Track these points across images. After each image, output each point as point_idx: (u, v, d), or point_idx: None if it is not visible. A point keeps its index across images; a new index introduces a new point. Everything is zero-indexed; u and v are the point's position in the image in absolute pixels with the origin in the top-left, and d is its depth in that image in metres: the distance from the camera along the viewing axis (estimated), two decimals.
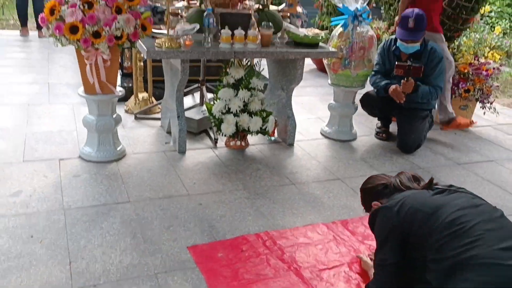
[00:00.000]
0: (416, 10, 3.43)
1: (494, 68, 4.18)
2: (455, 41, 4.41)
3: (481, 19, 8.56)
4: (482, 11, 8.23)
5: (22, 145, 3.22)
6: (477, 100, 4.15)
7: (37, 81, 4.74)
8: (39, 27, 6.48)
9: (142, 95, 4.09)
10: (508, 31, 8.16)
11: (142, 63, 4.05)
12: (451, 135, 4.14)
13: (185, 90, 3.94)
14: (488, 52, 4.28)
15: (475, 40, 7.21)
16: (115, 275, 2.02)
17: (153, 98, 4.14)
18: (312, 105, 4.73)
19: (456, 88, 4.06)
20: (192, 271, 2.09)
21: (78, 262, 2.08)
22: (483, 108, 4.19)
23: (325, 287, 2.06)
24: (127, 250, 2.20)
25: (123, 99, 4.14)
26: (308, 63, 6.40)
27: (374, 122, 4.10)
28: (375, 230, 1.94)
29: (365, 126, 4.18)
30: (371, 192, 2.09)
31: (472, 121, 3.89)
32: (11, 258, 2.08)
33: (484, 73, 4.08)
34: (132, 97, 4.10)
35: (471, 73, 4.05)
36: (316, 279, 2.10)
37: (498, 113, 4.34)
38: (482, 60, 4.19)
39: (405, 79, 3.44)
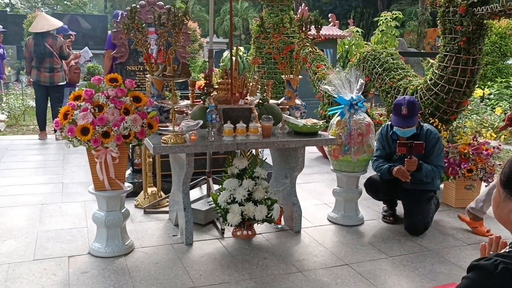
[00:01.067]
0: (407, 97, 3.61)
1: (494, 148, 4.27)
2: (452, 123, 4.55)
3: (481, 102, 8.84)
4: (481, 94, 8.53)
5: (33, 244, 3.29)
6: (481, 179, 4.18)
7: (51, 181, 4.92)
8: (55, 131, 6.86)
9: (151, 189, 4.22)
10: (508, 111, 8.35)
11: (151, 159, 4.22)
12: None
13: (192, 183, 4.07)
14: (486, 132, 4.39)
15: (477, 121, 7.41)
16: None
17: (161, 192, 4.26)
18: (318, 191, 4.79)
19: (458, 168, 4.12)
20: None
21: None
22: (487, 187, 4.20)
23: None
24: None
25: (133, 194, 4.28)
26: (314, 151, 6.58)
27: (381, 205, 4.13)
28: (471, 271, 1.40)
29: (372, 210, 4.20)
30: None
31: (489, 231, 3.69)
32: None
33: (485, 152, 4.16)
34: (142, 192, 4.22)
35: (471, 153, 4.13)
36: None
37: None
38: (481, 140, 4.28)
39: (409, 157, 3.53)
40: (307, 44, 3.90)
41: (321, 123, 3.57)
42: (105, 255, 3.10)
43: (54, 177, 5.06)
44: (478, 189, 4.32)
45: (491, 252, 1.60)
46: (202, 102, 3.59)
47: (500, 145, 4.33)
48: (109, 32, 6.17)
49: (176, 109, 3.37)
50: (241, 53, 9.42)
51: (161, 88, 3.58)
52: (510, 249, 1.40)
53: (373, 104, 10.38)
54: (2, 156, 6.03)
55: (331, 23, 10.07)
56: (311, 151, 6.53)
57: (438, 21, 4.32)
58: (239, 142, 3.28)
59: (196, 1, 33.69)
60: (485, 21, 4.02)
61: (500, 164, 4.32)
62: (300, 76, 3.93)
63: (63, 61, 7.35)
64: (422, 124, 3.75)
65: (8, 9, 30.37)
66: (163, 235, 3.54)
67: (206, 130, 3.27)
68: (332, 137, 3.60)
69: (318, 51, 6.70)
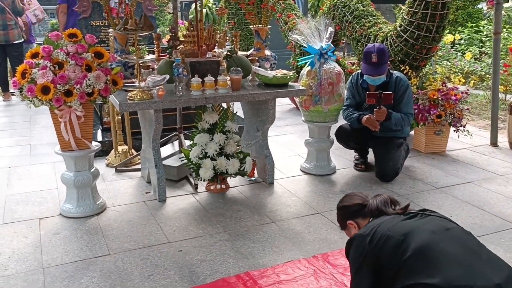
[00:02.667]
0: (377, 45, 3.57)
1: (462, 93, 4.31)
2: (422, 69, 4.56)
3: (452, 47, 8.87)
4: (451, 39, 8.54)
5: (1, 208, 3.23)
6: (450, 124, 4.24)
7: (18, 143, 4.80)
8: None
9: (122, 147, 4.15)
10: (478, 56, 8.41)
11: (119, 117, 4.13)
12: (429, 160, 4.21)
13: (163, 139, 4.03)
14: (455, 77, 4.42)
15: (447, 67, 7.46)
16: None
17: (133, 150, 4.20)
18: (291, 143, 4.80)
19: (427, 114, 4.17)
20: None
21: None
22: (456, 132, 4.28)
23: None
24: None
25: (104, 153, 4.22)
26: (287, 103, 6.55)
27: (353, 154, 4.17)
28: (350, 258, 1.95)
29: (344, 159, 4.25)
30: (347, 211, 2.12)
31: None
32: None
33: (454, 97, 4.20)
34: (112, 151, 4.16)
35: (440, 98, 4.17)
36: None
37: (472, 135, 4.44)
38: (450, 85, 4.32)
39: (378, 107, 3.54)
40: None
41: (291, 74, 3.52)
42: (76, 215, 3.07)
43: (21, 139, 4.92)
44: (447, 134, 4.40)
45: None
46: (168, 56, 3.48)
47: (468, 90, 4.38)
48: None
49: (141, 64, 3.26)
50: (210, 4, 9.17)
51: (125, 43, 3.45)
52: None
53: (345, 53, 10.33)
54: None
55: None
56: (284, 103, 6.50)
57: None
58: (208, 96, 3.22)
59: None
60: None
61: (468, 109, 4.39)
62: (269, 26, 3.84)
63: (17, 17, 6.97)
64: (392, 72, 3.74)
65: None
66: (135, 193, 3.52)
67: (174, 84, 3.19)
68: (303, 87, 3.57)
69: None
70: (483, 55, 8.55)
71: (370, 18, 4.96)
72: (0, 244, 2.73)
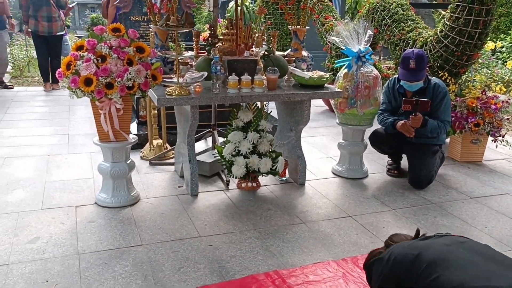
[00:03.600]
0: (416, 50, 3.52)
1: (503, 102, 4.20)
2: (461, 76, 4.47)
3: (492, 55, 8.64)
4: (492, 47, 8.32)
5: (41, 194, 3.34)
6: (488, 133, 4.14)
7: (57, 132, 4.95)
8: (55, 81, 6.86)
9: (157, 141, 4.23)
10: None
11: (156, 111, 4.21)
12: (464, 170, 4.13)
13: (198, 135, 4.08)
14: (496, 86, 4.32)
15: (487, 75, 7.27)
16: None
17: (167, 144, 4.27)
18: (324, 144, 4.79)
19: (465, 122, 4.08)
20: None
21: None
22: (494, 142, 4.18)
23: None
24: None
25: (139, 146, 4.31)
26: (320, 104, 6.53)
27: (386, 159, 4.13)
28: (371, 283, 1.98)
29: (377, 163, 4.21)
30: (371, 265, 2.02)
31: None
32: None
33: (493, 106, 4.10)
34: (147, 144, 4.24)
35: (479, 107, 4.08)
36: None
37: (511, 145, 4.33)
38: (490, 94, 4.22)
39: (414, 114, 3.49)
40: None
41: (328, 76, 3.51)
42: (111, 205, 3.15)
43: (60, 129, 5.08)
44: (485, 143, 4.30)
45: None
46: (206, 53, 3.53)
47: (509, 99, 4.26)
48: None
49: (180, 60, 3.32)
50: (247, 3, 9.20)
51: (165, 38, 3.51)
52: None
53: (381, 57, 10.19)
54: (8, 107, 6.04)
55: None
56: (317, 105, 6.48)
57: None
58: (244, 94, 3.25)
59: None
60: None
61: (508, 119, 4.28)
62: (307, 27, 3.83)
63: (60, 10, 7.21)
64: (430, 78, 3.68)
65: None
66: (168, 187, 3.58)
67: (211, 82, 3.23)
68: (339, 90, 3.56)
69: (326, 1, 6.51)
70: None
71: (410, 23, 4.89)
72: (38, 229, 2.83)
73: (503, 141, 4.20)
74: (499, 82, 7.20)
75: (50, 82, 7.37)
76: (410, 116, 3.51)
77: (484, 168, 4.19)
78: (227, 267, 2.48)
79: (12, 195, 3.31)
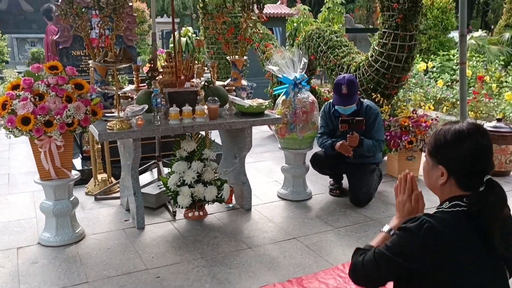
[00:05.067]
0: (347, 76, 3.74)
1: (432, 119, 4.50)
2: (393, 97, 4.75)
3: (425, 75, 9.18)
4: (424, 67, 8.84)
5: None
6: (421, 150, 4.41)
7: None
8: None
9: (102, 176, 4.20)
10: (450, 83, 8.72)
11: (99, 146, 4.19)
12: None
13: (142, 167, 4.09)
14: (425, 105, 4.62)
15: (421, 94, 7.71)
16: None
17: (112, 178, 4.25)
18: (269, 169, 4.91)
19: (399, 140, 4.33)
20: None
21: None
22: None
23: None
24: None
25: (84, 181, 4.25)
26: (266, 130, 6.68)
27: (328, 180, 4.28)
28: (396, 239, 1.57)
29: (320, 184, 4.36)
30: (448, 149, 1.55)
31: None
32: None
33: (424, 124, 4.38)
34: (92, 179, 4.20)
35: (411, 125, 4.34)
36: None
37: None
38: (420, 112, 4.50)
39: (350, 133, 3.68)
40: (250, 25, 3.93)
41: (267, 103, 3.65)
42: (55, 244, 3.10)
43: (0, 168, 4.93)
44: (419, 160, 4.55)
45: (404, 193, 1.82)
46: (147, 86, 3.58)
47: (437, 117, 4.57)
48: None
49: (120, 94, 3.37)
50: (190, 34, 9.35)
51: (105, 74, 3.54)
52: (437, 210, 1.59)
53: (323, 81, 10.58)
54: None
55: (279, 1, 10.09)
56: (263, 130, 6.63)
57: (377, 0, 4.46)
58: (186, 125, 3.32)
59: None
60: None
61: None
62: (245, 57, 3.98)
63: None
64: (362, 100, 3.90)
65: None
66: (114, 221, 3.56)
67: (152, 114, 3.28)
68: (278, 116, 3.70)
69: (263, 30, 6.73)
70: (455, 82, 8.86)
71: (344, 49, 5.16)
72: None
73: None
74: (432, 100, 7.67)
75: None
76: (347, 135, 3.70)
77: (420, 183, 4.41)
78: None
79: None
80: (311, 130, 3.87)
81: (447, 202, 1.57)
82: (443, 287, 1.50)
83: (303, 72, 3.89)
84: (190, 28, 9.62)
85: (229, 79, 4.02)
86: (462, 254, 1.47)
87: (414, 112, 4.46)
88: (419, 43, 4.47)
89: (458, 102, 7.66)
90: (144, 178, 4.04)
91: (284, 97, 3.89)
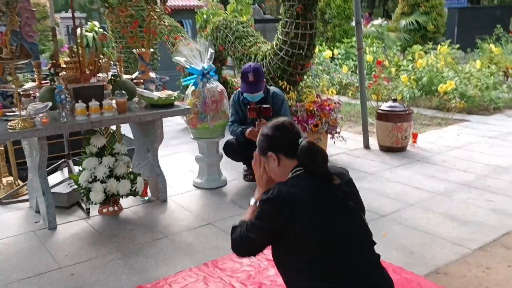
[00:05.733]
0: (253, 64, 3.89)
1: (335, 103, 4.79)
2: (299, 84, 4.99)
3: (331, 61, 9.64)
4: (330, 55, 9.27)
5: None
6: (326, 132, 4.69)
7: None
8: None
9: (7, 179, 4.02)
10: (354, 69, 9.24)
11: (2, 148, 4.00)
12: None
13: (52, 167, 3.98)
14: (329, 89, 4.91)
15: (328, 80, 8.11)
16: None
17: (19, 181, 4.08)
18: (185, 160, 4.95)
19: (306, 124, 4.57)
20: None
21: None
22: (332, 138, 4.74)
23: None
24: None
25: None
26: (180, 122, 6.69)
27: (242, 166, 4.43)
28: (258, 210, 1.84)
29: (234, 171, 4.49)
30: (272, 141, 1.91)
31: None
32: None
33: (327, 108, 4.66)
34: None
35: (316, 109, 4.60)
36: None
37: (346, 140, 4.93)
38: (324, 97, 4.78)
39: (259, 120, 3.84)
40: (155, 17, 3.94)
41: (176, 94, 3.70)
42: None
43: None
44: (325, 141, 4.84)
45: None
46: (49, 83, 3.48)
47: (340, 100, 4.87)
48: None
49: (21, 93, 3.25)
50: (96, 29, 9.04)
51: (1, 72, 3.39)
52: (292, 175, 1.87)
53: (235, 72, 10.75)
54: None
55: None
56: (177, 123, 6.63)
57: None
58: (94, 120, 3.28)
59: None
60: None
61: (341, 117, 4.88)
62: (151, 50, 3.99)
63: None
64: (269, 87, 4.08)
65: None
66: (24, 224, 3.44)
67: (57, 111, 3.20)
68: (188, 106, 3.76)
69: (171, 23, 6.72)
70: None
71: (251, 39, 5.32)
72: None
73: (339, 137, 4.78)
74: (338, 86, 8.10)
75: None
76: (256, 122, 3.85)
77: None
78: None
79: None
80: (222, 118, 3.97)
81: (291, 173, 1.87)
82: (305, 239, 1.78)
83: (211, 62, 3.98)
84: (96, 23, 9.32)
85: (137, 72, 4.01)
86: (313, 206, 1.78)
87: (318, 97, 4.73)
88: (318, 31, 4.72)
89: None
90: (54, 178, 3.93)
91: (193, 87, 3.95)
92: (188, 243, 3.07)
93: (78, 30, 3.67)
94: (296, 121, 4.56)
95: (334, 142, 4.87)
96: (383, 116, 5.02)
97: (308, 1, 4.44)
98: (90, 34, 8.57)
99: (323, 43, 11.29)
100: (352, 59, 9.68)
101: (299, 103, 4.70)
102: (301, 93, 4.85)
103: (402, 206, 3.58)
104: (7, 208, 3.76)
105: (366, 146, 5.21)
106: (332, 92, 4.87)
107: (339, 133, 4.77)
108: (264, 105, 3.83)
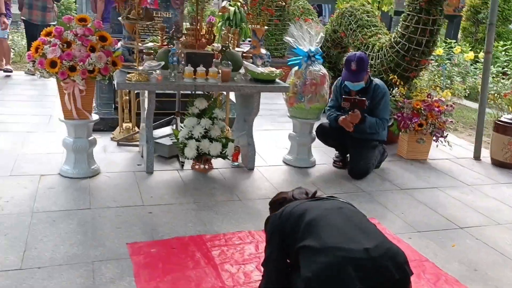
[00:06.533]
0: (358, 53, 3.88)
1: (447, 106, 4.54)
2: (412, 80, 4.81)
3: (471, 65, 8.94)
4: (472, 57, 8.60)
5: (12, 163, 3.73)
6: (431, 134, 4.48)
7: (41, 113, 5.35)
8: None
9: (126, 125, 4.61)
10: (496, 75, 8.46)
11: (127, 97, 4.59)
12: (407, 166, 4.47)
13: (164, 120, 4.47)
14: (442, 91, 4.66)
15: (460, 82, 7.56)
16: (58, 261, 2.44)
17: (136, 128, 4.65)
18: (285, 137, 5.13)
19: (409, 122, 4.42)
20: (125, 261, 2.49)
21: (31, 251, 2.52)
22: (436, 142, 4.52)
23: (233, 278, 2.42)
24: (74, 244, 2.62)
25: (112, 128, 4.70)
26: None
27: (335, 152, 4.47)
28: (266, 233, 2.29)
29: (327, 156, 4.55)
30: (275, 204, 2.43)
31: None
32: None
33: (436, 109, 4.44)
34: (118, 127, 4.63)
35: (423, 108, 4.42)
36: (227, 273, 2.47)
37: (451, 146, 4.66)
38: (436, 97, 4.55)
39: (352, 111, 3.85)
40: None
41: (278, 72, 3.87)
42: (72, 176, 3.53)
43: (44, 110, 5.48)
44: (429, 143, 4.64)
45: None
46: (168, 45, 3.89)
47: (453, 103, 4.60)
48: None
49: (145, 51, 3.71)
50: (239, 4, 9.53)
51: (132, 30, 3.88)
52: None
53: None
54: (1, 89, 6.45)
55: None
56: None
57: None
58: (197, 83, 3.62)
59: None
60: None
61: (451, 121, 4.61)
62: (265, 27, 4.20)
63: (54, 1, 7.63)
64: (372, 79, 4.03)
65: None
66: (129, 164, 3.96)
67: (168, 71, 3.60)
68: (286, 85, 3.92)
69: (305, 5, 6.86)
70: (501, 74, 8.59)
71: (373, 29, 5.24)
72: (2, 191, 3.22)
73: (445, 141, 4.53)
74: (468, 91, 7.50)
75: None
76: (349, 112, 3.87)
77: (426, 165, 4.53)
78: (158, 230, 2.86)
79: None
80: (319, 102, 4.06)
81: None
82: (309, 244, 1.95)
83: (319, 46, 4.06)
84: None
85: (249, 46, 4.26)
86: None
87: (428, 96, 4.53)
88: (441, 28, 4.48)
89: (502, 94, 7.52)
90: (163, 131, 4.41)
91: (296, 68, 4.09)
92: (258, 210, 3.27)
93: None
94: (399, 117, 4.45)
95: (437, 146, 4.64)
96: (500, 128, 4.62)
97: None
98: (232, 8, 9.09)
99: (469, 44, 10.46)
100: (500, 65, 8.85)
101: (407, 99, 4.55)
102: (412, 90, 4.68)
103: (487, 223, 3.35)
104: (121, 149, 4.34)
105: (477, 157, 4.85)
106: (446, 93, 4.61)
107: (445, 137, 4.53)
108: (359, 97, 3.81)
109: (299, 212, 2.08)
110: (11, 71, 7.34)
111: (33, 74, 7.52)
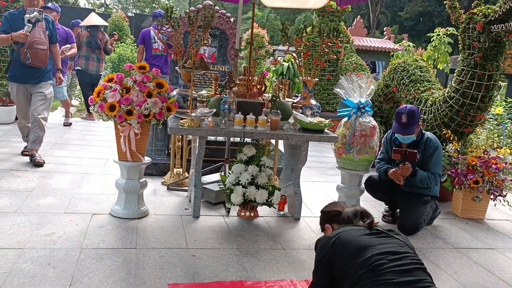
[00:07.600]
0: (409, 106, 3.84)
1: (506, 163, 4.34)
2: (467, 135, 4.67)
3: None
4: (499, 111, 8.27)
5: (67, 202, 3.90)
6: (488, 192, 4.28)
7: (98, 156, 5.61)
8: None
9: (177, 170, 4.74)
10: None
11: (179, 143, 4.74)
12: (462, 225, 4.26)
13: (213, 167, 4.56)
14: (501, 148, 4.48)
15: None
16: None
17: (186, 173, 4.76)
18: (334, 188, 5.07)
19: (464, 179, 4.25)
20: None
21: (76, 285, 2.58)
22: (493, 200, 4.30)
23: None
24: (118, 281, 2.66)
25: (163, 173, 4.84)
26: None
27: (384, 207, 4.35)
28: (316, 254, 2.26)
29: (376, 210, 4.43)
30: (326, 215, 2.52)
31: None
32: (28, 277, 2.62)
33: (494, 166, 4.25)
34: (169, 172, 4.76)
35: (479, 165, 4.25)
36: None
37: (511, 206, 4.41)
38: (493, 154, 4.37)
39: (403, 163, 3.77)
40: (326, 50, 4.21)
41: (327, 122, 3.89)
42: (122, 216, 3.64)
43: (101, 154, 5.74)
44: (486, 202, 4.42)
45: None
46: (220, 94, 4.04)
47: None
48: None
49: (198, 98, 3.86)
50: (292, 60, 9.79)
51: (187, 79, 4.07)
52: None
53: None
54: (65, 133, 6.86)
55: (386, 37, 10.18)
56: None
57: (459, 37, 4.49)
58: (246, 131, 3.69)
59: (272, 10, 34.44)
60: (502, 39, 4.15)
61: (511, 180, 4.39)
62: (316, 79, 4.27)
63: (105, 54, 8.40)
64: (424, 132, 3.96)
65: (102, 9, 32.91)
66: (177, 208, 4.03)
67: (219, 118, 3.72)
68: (334, 135, 3.91)
69: (357, 61, 6.94)
70: None
71: (426, 83, 5.20)
72: (56, 227, 3.35)
73: (504, 201, 4.30)
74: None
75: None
76: (400, 165, 3.79)
77: (483, 225, 4.29)
78: (200, 273, 2.85)
79: (44, 200, 3.90)
80: (368, 153, 4.01)
81: None
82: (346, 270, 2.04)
83: (369, 98, 4.07)
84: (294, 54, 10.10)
85: (299, 97, 4.34)
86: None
87: (485, 153, 4.36)
88: (497, 83, 4.37)
89: None
90: (212, 177, 4.49)
91: (346, 118, 4.10)
92: (301, 259, 3.20)
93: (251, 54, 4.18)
94: (453, 173, 4.30)
95: (495, 205, 4.41)
96: None
97: (490, 51, 4.19)
98: (286, 64, 9.36)
99: None
100: None
101: (462, 155, 4.41)
102: (467, 146, 4.53)
103: None
104: (171, 193, 4.44)
105: None
106: (505, 150, 4.42)
107: (504, 196, 4.30)
108: (410, 150, 3.74)
109: (356, 247, 2.05)
110: (70, 124, 7.84)
111: (92, 120, 8.02)
